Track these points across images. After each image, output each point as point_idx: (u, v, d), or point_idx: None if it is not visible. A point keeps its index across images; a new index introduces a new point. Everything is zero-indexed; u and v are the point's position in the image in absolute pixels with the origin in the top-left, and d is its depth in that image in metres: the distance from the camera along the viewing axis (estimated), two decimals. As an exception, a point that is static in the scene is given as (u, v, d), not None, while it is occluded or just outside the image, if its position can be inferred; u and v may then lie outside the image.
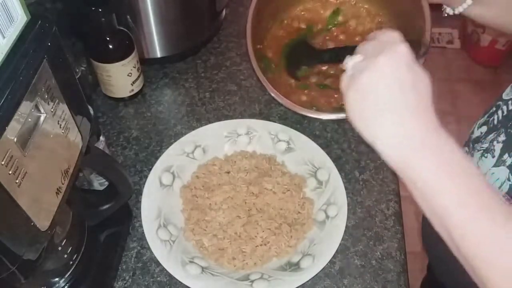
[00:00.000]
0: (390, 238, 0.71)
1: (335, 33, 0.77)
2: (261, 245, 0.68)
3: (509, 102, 0.64)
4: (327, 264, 0.65)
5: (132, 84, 0.84)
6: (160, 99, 0.88)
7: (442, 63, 2.25)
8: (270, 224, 0.69)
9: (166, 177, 0.73)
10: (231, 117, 0.85)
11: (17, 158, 0.40)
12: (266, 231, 0.68)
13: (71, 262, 0.61)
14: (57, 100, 0.46)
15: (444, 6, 0.66)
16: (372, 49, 0.46)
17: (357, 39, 0.76)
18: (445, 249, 0.44)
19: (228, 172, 0.75)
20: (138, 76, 0.84)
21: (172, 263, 0.64)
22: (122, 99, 0.86)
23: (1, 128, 0.38)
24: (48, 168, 0.47)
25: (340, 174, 0.73)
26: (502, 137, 0.62)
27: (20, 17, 0.41)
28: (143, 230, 0.67)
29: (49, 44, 0.44)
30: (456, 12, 0.64)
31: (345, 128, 0.83)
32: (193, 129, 0.79)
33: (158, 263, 0.66)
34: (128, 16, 0.82)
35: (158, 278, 0.67)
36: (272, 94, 0.68)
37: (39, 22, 0.43)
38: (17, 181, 0.41)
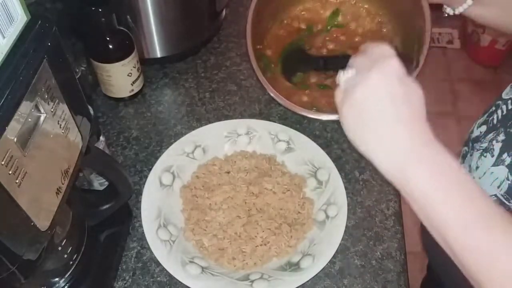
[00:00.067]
0: (390, 238, 0.71)
1: (334, 34, 0.77)
2: (261, 245, 0.68)
3: (509, 101, 0.64)
4: (327, 264, 0.65)
5: (132, 84, 0.84)
6: (160, 99, 0.88)
7: (442, 63, 2.25)
8: (270, 224, 0.69)
9: (166, 177, 0.73)
10: (231, 117, 0.85)
11: (17, 158, 0.40)
12: (266, 231, 0.68)
13: (71, 262, 0.61)
14: (57, 100, 0.46)
15: (445, 6, 0.66)
16: (364, 63, 0.46)
17: (356, 39, 0.76)
18: (445, 250, 0.44)
19: (228, 172, 0.75)
20: (138, 76, 0.84)
21: (172, 263, 0.64)
22: (122, 99, 0.86)
23: (1, 128, 0.38)
24: (48, 168, 0.47)
25: (340, 174, 0.73)
26: (501, 137, 0.62)
27: (20, 17, 0.41)
28: (143, 230, 0.67)
29: (49, 44, 0.44)
30: (457, 12, 0.64)
31: (345, 128, 0.83)
32: (193, 129, 0.79)
33: (158, 263, 0.66)
34: (128, 16, 0.82)
35: (158, 278, 0.67)
36: (272, 94, 0.68)
37: (39, 22, 0.43)
38: (17, 181, 0.41)
